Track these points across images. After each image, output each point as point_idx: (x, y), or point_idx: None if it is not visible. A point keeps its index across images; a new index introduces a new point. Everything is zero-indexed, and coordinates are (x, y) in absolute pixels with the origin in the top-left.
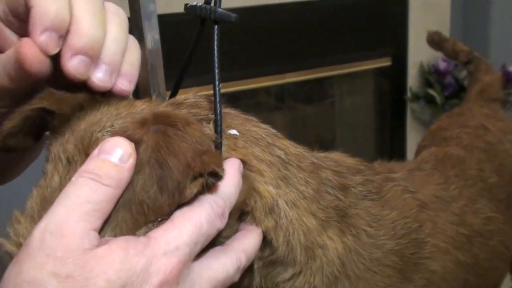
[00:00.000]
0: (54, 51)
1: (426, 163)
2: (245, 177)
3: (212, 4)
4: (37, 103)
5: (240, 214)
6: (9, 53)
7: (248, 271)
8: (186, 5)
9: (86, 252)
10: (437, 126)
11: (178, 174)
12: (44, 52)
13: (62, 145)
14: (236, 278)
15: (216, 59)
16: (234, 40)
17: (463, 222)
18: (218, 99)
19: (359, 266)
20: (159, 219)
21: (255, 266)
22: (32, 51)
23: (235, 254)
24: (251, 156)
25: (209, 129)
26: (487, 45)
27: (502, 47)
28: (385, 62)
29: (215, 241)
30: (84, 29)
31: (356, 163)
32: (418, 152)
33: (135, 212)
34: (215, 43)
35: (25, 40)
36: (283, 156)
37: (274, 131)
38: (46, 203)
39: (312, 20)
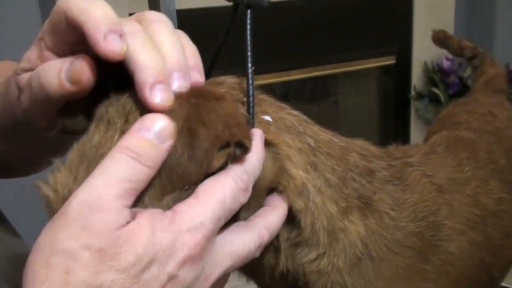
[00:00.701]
0: (122, 50)
1: (438, 146)
2: (275, 158)
3: None
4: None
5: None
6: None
7: (274, 251)
8: None
9: (119, 228)
10: (445, 113)
11: (206, 143)
12: (116, 54)
13: (106, 108)
14: (257, 254)
15: (249, 42)
16: (237, 37)
17: (477, 203)
18: (250, 82)
19: (382, 247)
20: (186, 187)
21: (282, 247)
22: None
23: (257, 231)
24: (280, 141)
25: (243, 110)
26: (492, 44)
27: (506, 46)
28: (390, 61)
29: (239, 219)
30: (144, 61)
31: (378, 149)
32: (427, 139)
33: (164, 178)
34: (248, 26)
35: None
36: (312, 143)
37: (305, 117)
38: (84, 158)
39: (317, 18)
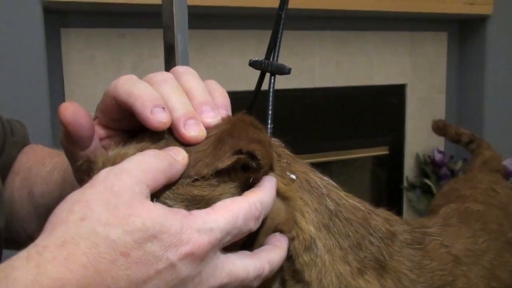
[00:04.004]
0: (167, 120)
1: (451, 218)
2: (288, 208)
3: (271, 59)
4: None
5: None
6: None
7: None
8: (250, 60)
9: (135, 195)
10: (449, 188)
11: (227, 147)
12: (162, 123)
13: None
14: (255, 285)
15: (271, 103)
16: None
17: (493, 275)
18: (270, 131)
19: None
20: (195, 177)
21: None
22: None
23: (259, 262)
24: (297, 197)
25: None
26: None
27: (495, 139)
28: (383, 151)
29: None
30: (175, 103)
31: (399, 219)
32: (432, 211)
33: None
34: (271, 90)
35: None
36: (332, 207)
37: (334, 183)
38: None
39: (311, 108)
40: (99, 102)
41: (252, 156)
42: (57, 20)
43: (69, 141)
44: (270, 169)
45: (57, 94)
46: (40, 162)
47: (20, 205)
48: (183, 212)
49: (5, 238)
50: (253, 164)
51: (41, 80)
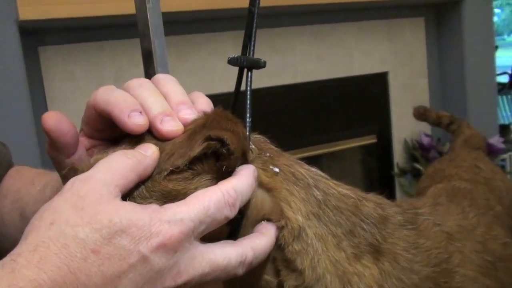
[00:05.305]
0: (144, 123)
1: (440, 197)
2: (274, 198)
3: (247, 54)
4: None
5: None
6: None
7: None
8: (228, 58)
9: (102, 196)
10: (433, 169)
11: (199, 137)
12: (139, 126)
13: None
14: (240, 272)
15: (248, 97)
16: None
17: (486, 249)
18: (248, 125)
19: None
20: (171, 169)
21: None
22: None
23: (241, 248)
24: (282, 188)
25: (251, 151)
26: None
27: (480, 118)
28: (371, 140)
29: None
30: (152, 104)
31: (390, 202)
32: (420, 193)
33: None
34: (249, 84)
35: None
36: (320, 197)
37: (322, 174)
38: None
39: (298, 103)
40: (83, 115)
41: (222, 142)
42: (34, 39)
43: (54, 149)
44: (244, 158)
45: (40, 112)
46: (29, 182)
47: (12, 227)
48: (154, 206)
49: None
50: (223, 150)
51: (23, 101)
